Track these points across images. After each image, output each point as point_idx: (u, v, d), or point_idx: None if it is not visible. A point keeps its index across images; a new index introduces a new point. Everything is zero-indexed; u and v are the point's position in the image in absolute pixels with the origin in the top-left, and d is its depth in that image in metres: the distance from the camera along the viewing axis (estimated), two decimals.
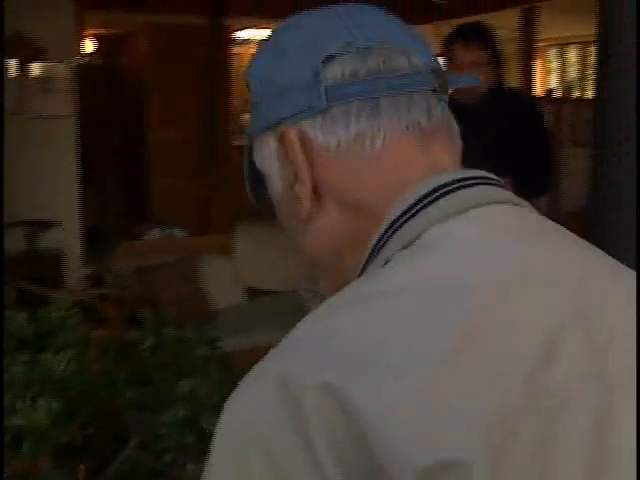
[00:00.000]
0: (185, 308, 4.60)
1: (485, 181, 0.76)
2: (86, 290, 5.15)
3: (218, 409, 1.53)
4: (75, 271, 5.97)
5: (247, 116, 11.92)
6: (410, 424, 0.58)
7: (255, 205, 0.94)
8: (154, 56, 8.46)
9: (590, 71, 12.87)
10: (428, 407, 0.59)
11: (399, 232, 0.72)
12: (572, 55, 13.22)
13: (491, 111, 3.42)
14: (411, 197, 0.73)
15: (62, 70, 5.98)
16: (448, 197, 0.72)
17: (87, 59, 8.28)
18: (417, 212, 0.72)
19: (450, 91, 0.82)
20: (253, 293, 5.35)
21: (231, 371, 1.69)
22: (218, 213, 7.28)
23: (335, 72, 0.76)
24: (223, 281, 5.20)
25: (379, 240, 0.73)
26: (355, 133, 0.75)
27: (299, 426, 0.59)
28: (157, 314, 1.84)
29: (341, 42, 0.76)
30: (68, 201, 6.23)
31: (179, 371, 1.59)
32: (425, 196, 0.72)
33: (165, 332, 1.85)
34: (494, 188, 0.76)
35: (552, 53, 13.25)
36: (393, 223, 0.72)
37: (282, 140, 0.78)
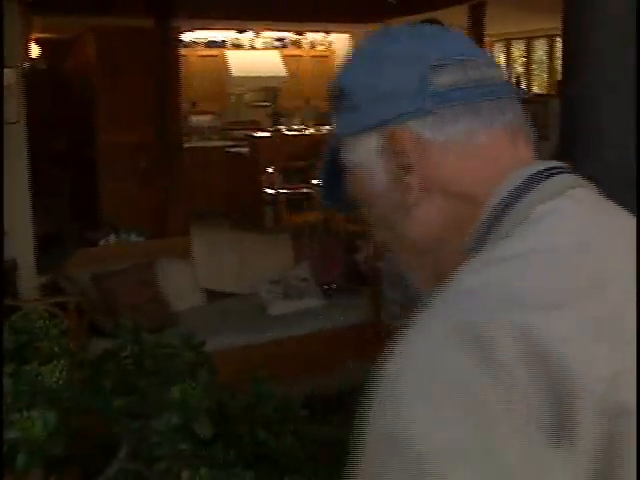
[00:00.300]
0: (145, 313, 4.56)
1: (568, 170, 0.91)
2: (44, 299, 5.06)
3: (210, 414, 1.52)
4: (29, 281, 5.87)
5: (195, 118, 11.88)
6: (580, 349, 0.72)
7: (325, 203, 1.08)
8: (102, 59, 8.36)
9: (535, 66, 13.04)
10: (590, 334, 0.74)
11: (512, 211, 0.86)
12: (516, 50, 13.40)
13: None
14: (514, 183, 0.87)
15: (11, 75, 5.88)
16: (548, 181, 0.88)
17: (35, 64, 8.14)
18: (524, 195, 0.86)
19: None
20: (212, 296, 5.31)
21: (215, 374, 1.68)
22: (172, 216, 7.22)
23: (440, 80, 0.89)
24: (182, 284, 5.16)
25: (491, 219, 0.87)
26: (461, 132, 0.90)
27: (491, 364, 0.70)
28: (123, 321, 1.81)
29: (440, 55, 0.90)
30: (20, 209, 6.12)
31: (165, 378, 1.57)
32: (528, 181, 0.87)
33: (145, 339, 1.83)
34: (575, 175, 0.92)
35: (497, 48, 13.41)
36: (503, 204, 0.87)
37: (391, 138, 0.90)
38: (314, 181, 9.13)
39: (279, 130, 11.31)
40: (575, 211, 0.87)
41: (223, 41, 12.22)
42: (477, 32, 8.08)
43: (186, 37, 11.18)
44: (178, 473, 1.40)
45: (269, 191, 9.43)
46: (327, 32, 12.96)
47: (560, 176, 0.89)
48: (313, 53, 13.26)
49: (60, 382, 1.39)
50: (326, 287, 5.46)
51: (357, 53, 0.98)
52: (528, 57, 13.06)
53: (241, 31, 11.87)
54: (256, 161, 9.84)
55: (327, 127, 11.87)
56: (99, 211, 8.30)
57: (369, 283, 5.34)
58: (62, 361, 1.43)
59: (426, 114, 0.89)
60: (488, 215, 0.86)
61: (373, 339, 5.29)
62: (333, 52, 13.37)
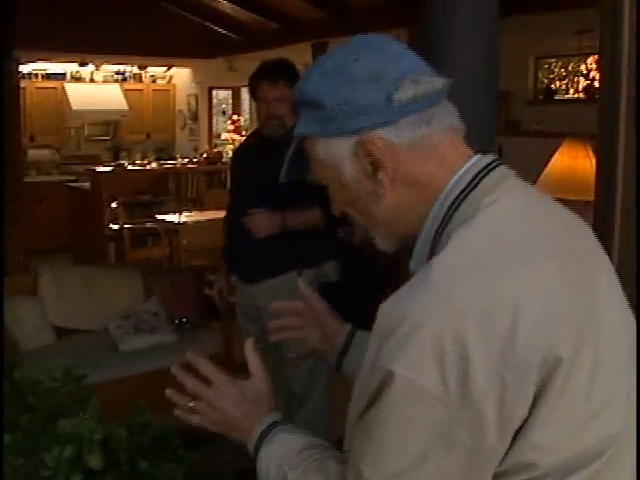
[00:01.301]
0: None
1: (500, 162, 1.21)
2: None
3: (103, 445, 1.54)
4: None
5: (33, 152, 11.54)
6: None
7: (285, 179, 1.34)
8: None
9: None
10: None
11: (466, 201, 1.15)
12: None
13: None
14: (465, 179, 1.17)
15: None
16: (488, 176, 1.17)
17: None
18: (474, 189, 1.15)
19: None
20: (62, 333, 5.20)
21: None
22: (14, 253, 7.00)
23: (400, 96, 1.14)
24: (30, 322, 5.02)
25: (451, 208, 1.15)
26: (420, 135, 1.16)
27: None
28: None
29: (399, 74, 1.15)
30: None
31: (48, 412, 1.57)
32: (475, 176, 1.17)
33: (18, 376, 1.82)
34: (505, 167, 1.21)
35: None
36: (460, 197, 1.15)
37: (365, 143, 1.16)
38: (158, 216, 9.09)
39: (122, 165, 11.17)
40: (513, 197, 1.17)
41: (63, 73, 11.96)
42: None
43: (24, 68, 10.88)
44: None
45: (113, 226, 9.30)
46: (168, 66, 12.96)
47: (496, 170, 1.19)
48: (154, 87, 13.21)
49: None
50: (177, 321, 5.45)
51: (323, 69, 1.20)
52: None
53: (82, 64, 11.67)
54: (99, 196, 9.68)
55: (169, 161, 11.85)
56: None
57: (221, 317, 5.37)
58: None
59: (392, 124, 1.15)
60: (449, 204, 1.16)
61: (226, 372, 5.32)
62: (174, 86, 13.38)
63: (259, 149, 3.95)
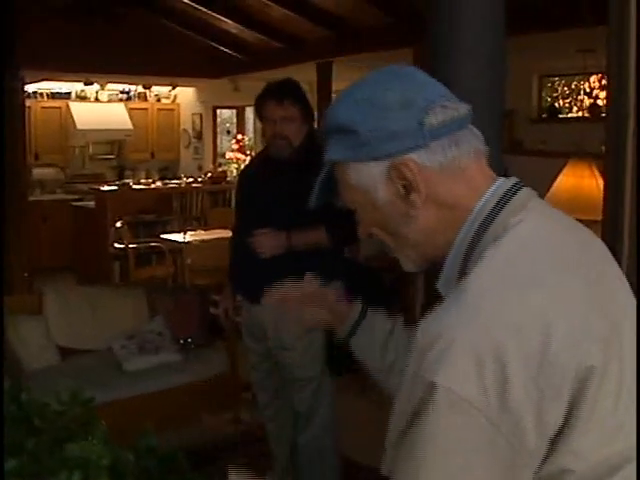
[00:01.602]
0: None
1: (523, 184, 1.25)
2: None
3: (110, 470, 1.53)
4: None
5: (38, 171, 11.56)
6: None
7: (314, 204, 1.37)
8: None
9: None
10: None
11: (495, 221, 1.19)
12: None
13: (304, 164, 3.52)
14: (492, 200, 1.21)
15: None
16: (514, 198, 1.22)
17: None
18: (501, 210, 1.20)
19: None
20: (67, 353, 5.18)
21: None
22: (17, 272, 7.00)
23: (431, 121, 1.19)
24: (34, 342, 5.00)
25: (480, 228, 1.20)
26: (450, 158, 1.21)
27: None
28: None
29: (428, 101, 1.20)
30: None
31: (55, 436, 1.56)
32: (502, 198, 1.21)
33: (25, 399, 1.81)
34: (528, 188, 1.26)
35: None
36: (490, 217, 1.20)
37: (398, 166, 1.20)
38: (162, 235, 9.09)
39: (126, 184, 11.17)
40: (537, 218, 1.22)
41: (68, 93, 12.00)
42: (325, 88, 8.32)
43: (29, 87, 10.92)
44: None
45: (118, 245, 9.29)
46: (173, 86, 13.00)
47: (521, 192, 1.23)
48: (159, 106, 13.25)
49: None
50: (182, 341, 5.44)
51: (353, 98, 1.25)
52: None
53: (87, 83, 11.71)
54: (103, 215, 9.68)
55: (173, 180, 11.86)
56: None
57: (226, 336, 5.36)
58: None
59: (424, 148, 1.19)
60: (478, 225, 1.20)
61: (230, 392, 5.32)
62: (178, 105, 13.42)
63: (265, 170, 3.96)
